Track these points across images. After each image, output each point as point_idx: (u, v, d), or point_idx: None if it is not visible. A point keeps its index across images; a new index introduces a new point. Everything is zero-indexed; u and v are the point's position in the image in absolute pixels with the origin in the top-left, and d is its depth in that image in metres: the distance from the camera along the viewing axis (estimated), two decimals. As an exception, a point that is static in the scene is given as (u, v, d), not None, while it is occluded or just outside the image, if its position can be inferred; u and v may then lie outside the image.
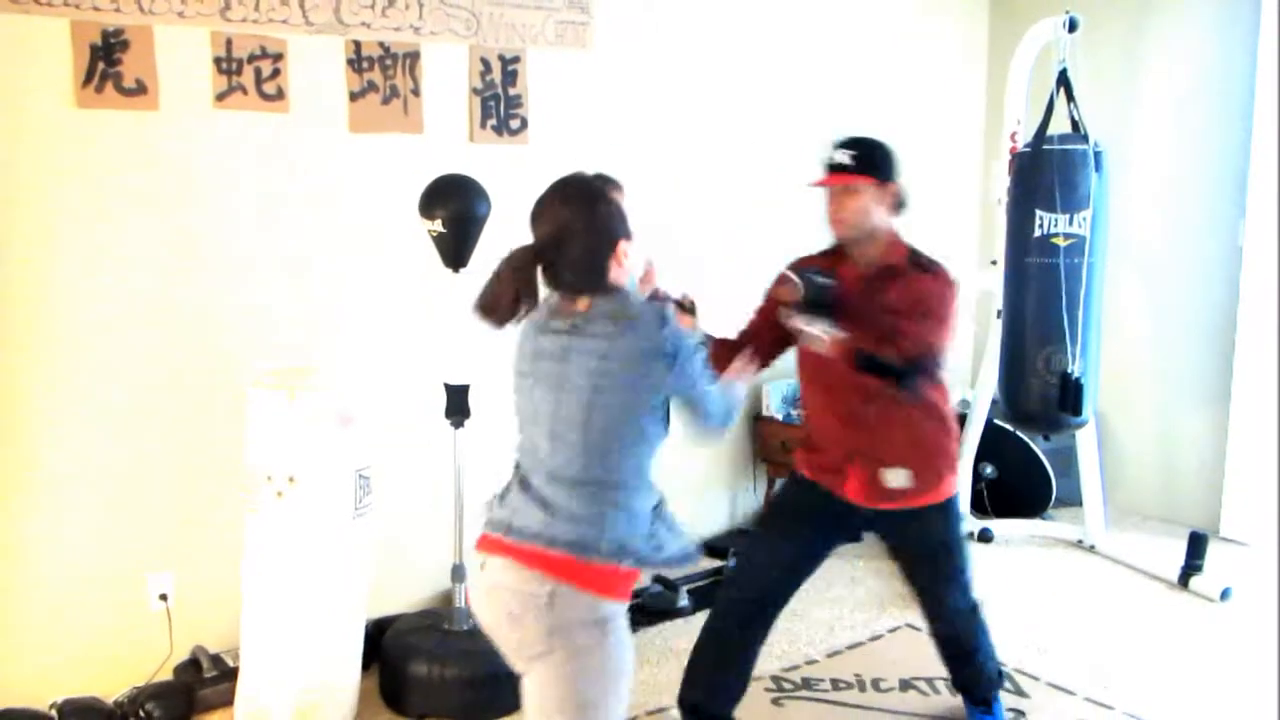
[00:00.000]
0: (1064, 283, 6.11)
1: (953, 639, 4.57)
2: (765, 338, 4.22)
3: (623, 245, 3.08)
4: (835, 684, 5.15)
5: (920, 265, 4.11)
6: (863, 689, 5.11)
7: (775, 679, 5.19)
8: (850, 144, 4.10)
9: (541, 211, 3.15)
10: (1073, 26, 6.30)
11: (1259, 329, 6.90)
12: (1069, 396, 6.11)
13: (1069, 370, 6.08)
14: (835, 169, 4.09)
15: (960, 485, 4.36)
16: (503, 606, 3.02)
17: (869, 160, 4.07)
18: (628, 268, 3.12)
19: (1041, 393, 6.24)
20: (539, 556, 2.96)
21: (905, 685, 5.09)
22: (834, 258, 4.25)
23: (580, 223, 3.06)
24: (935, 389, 4.15)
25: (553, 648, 2.96)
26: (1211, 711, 4.95)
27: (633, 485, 3.07)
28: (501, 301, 3.03)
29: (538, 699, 3.03)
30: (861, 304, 3.98)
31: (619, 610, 3.08)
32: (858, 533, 4.72)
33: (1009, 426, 7.09)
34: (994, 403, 6.91)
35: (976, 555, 6.78)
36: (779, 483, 7.32)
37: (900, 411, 4.06)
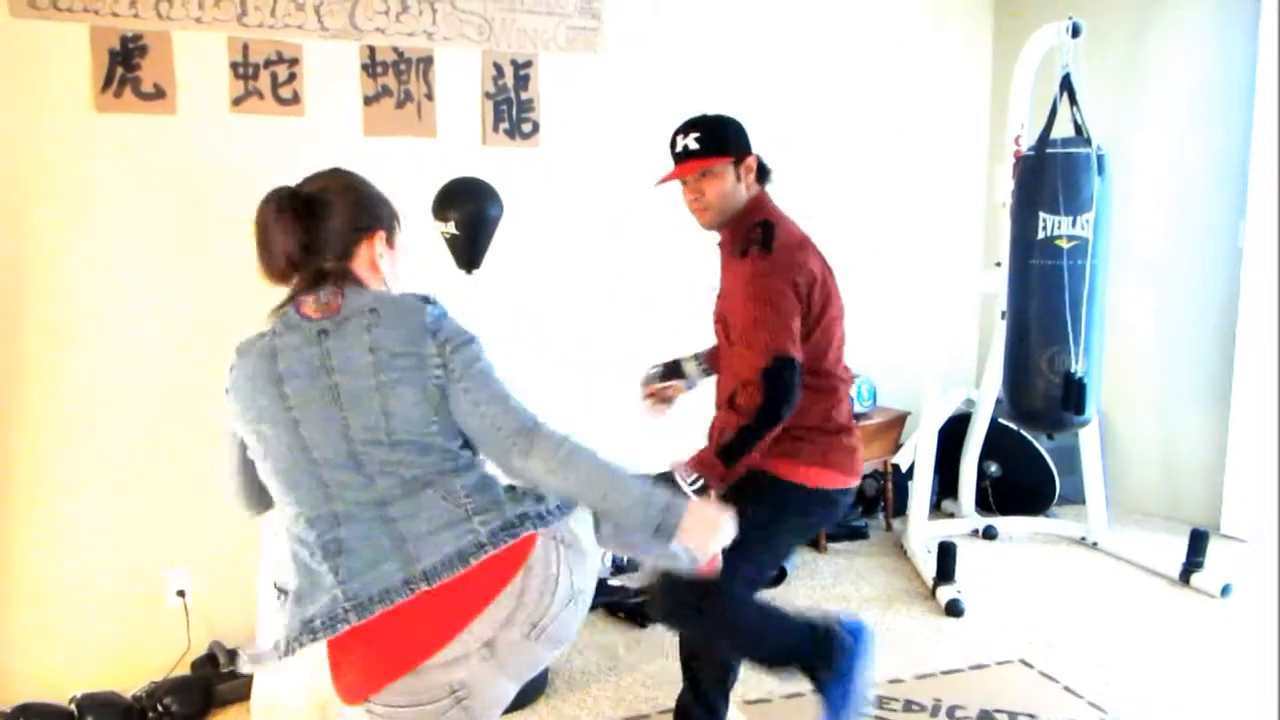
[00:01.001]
0: (1067, 284, 6.07)
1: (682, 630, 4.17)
2: None
3: (380, 239, 2.80)
4: (909, 705, 4.90)
5: (757, 241, 3.78)
6: (935, 714, 4.85)
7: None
8: (692, 125, 3.86)
9: (310, 177, 2.86)
10: (1076, 32, 6.27)
11: (1259, 329, 6.86)
12: (1072, 396, 6.06)
13: (1072, 370, 6.03)
14: (682, 157, 3.85)
15: (804, 477, 3.88)
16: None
17: (718, 138, 3.83)
18: (380, 273, 2.81)
19: (1045, 392, 6.18)
20: (423, 610, 2.53)
21: (983, 716, 4.78)
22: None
23: (343, 192, 2.79)
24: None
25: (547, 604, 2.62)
26: (1212, 706, 4.92)
27: (477, 463, 2.67)
28: (276, 246, 2.73)
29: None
30: (728, 279, 3.90)
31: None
32: None
33: (1013, 425, 7.06)
34: (998, 402, 6.88)
35: (981, 552, 6.82)
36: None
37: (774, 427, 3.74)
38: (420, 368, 2.57)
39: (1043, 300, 6.18)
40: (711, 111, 3.92)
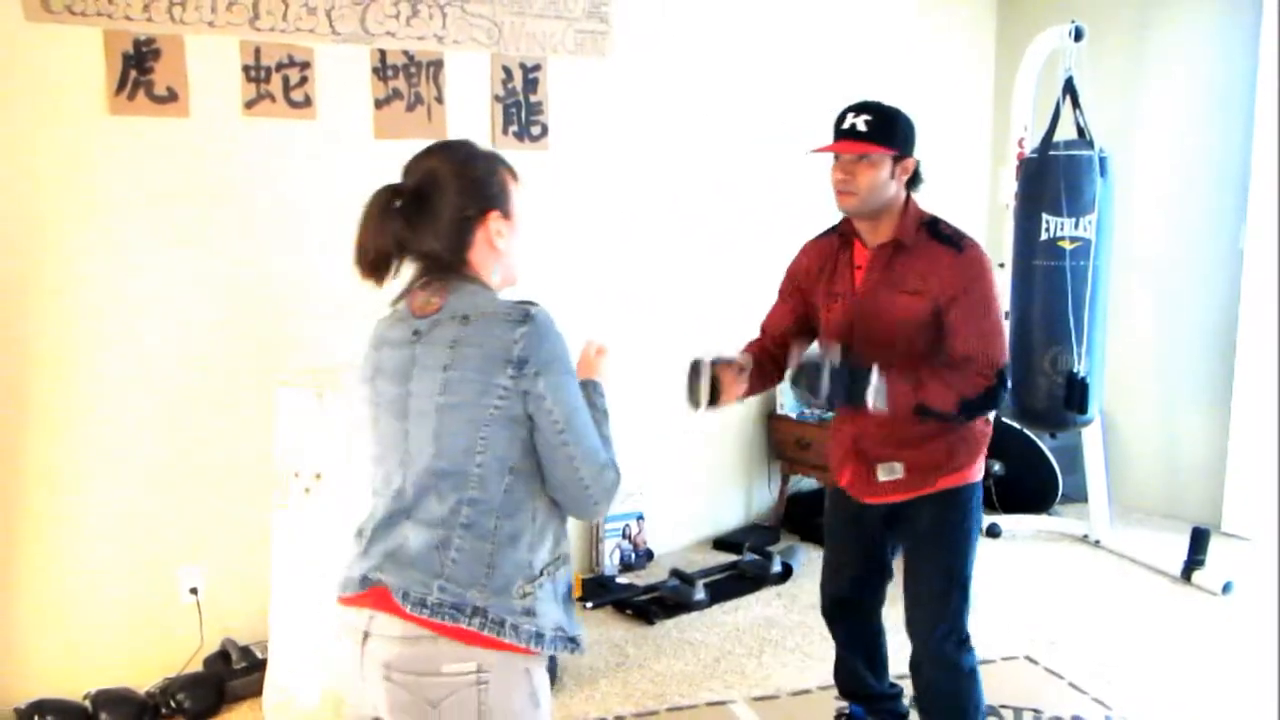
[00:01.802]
0: (1070, 285, 6.04)
1: (927, 687, 3.98)
2: (787, 327, 3.97)
3: (495, 218, 2.59)
4: (914, 701, 4.90)
5: (941, 237, 3.68)
6: None
7: None
8: (866, 108, 3.65)
9: (413, 161, 2.67)
10: (1079, 35, 6.25)
11: (1260, 330, 6.85)
12: (1075, 395, 6.03)
13: (1075, 370, 6.00)
14: (848, 134, 3.63)
15: (974, 483, 3.90)
16: (410, 693, 2.44)
17: (889, 129, 3.63)
18: (501, 250, 2.62)
19: (1048, 392, 6.14)
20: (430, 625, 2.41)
21: (989, 711, 4.61)
22: (838, 237, 3.89)
23: (451, 174, 2.57)
24: None
25: None
26: (1213, 702, 4.91)
27: (492, 526, 2.46)
28: (365, 243, 2.58)
29: None
30: (871, 289, 3.68)
31: (542, 667, 2.56)
32: (880, 533, 4.00)
33: (1017, 425, 7.03)
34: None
35: (985, 550, 6.78)
36: (793, 480, 7.30)
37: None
38: (483, 393, 2.42)
39: (1046, 301, 6.16)
40: (885, 102, 3.74)
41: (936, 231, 3.70)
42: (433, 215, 2.54)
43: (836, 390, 3.46)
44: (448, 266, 2.58)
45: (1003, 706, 4.78)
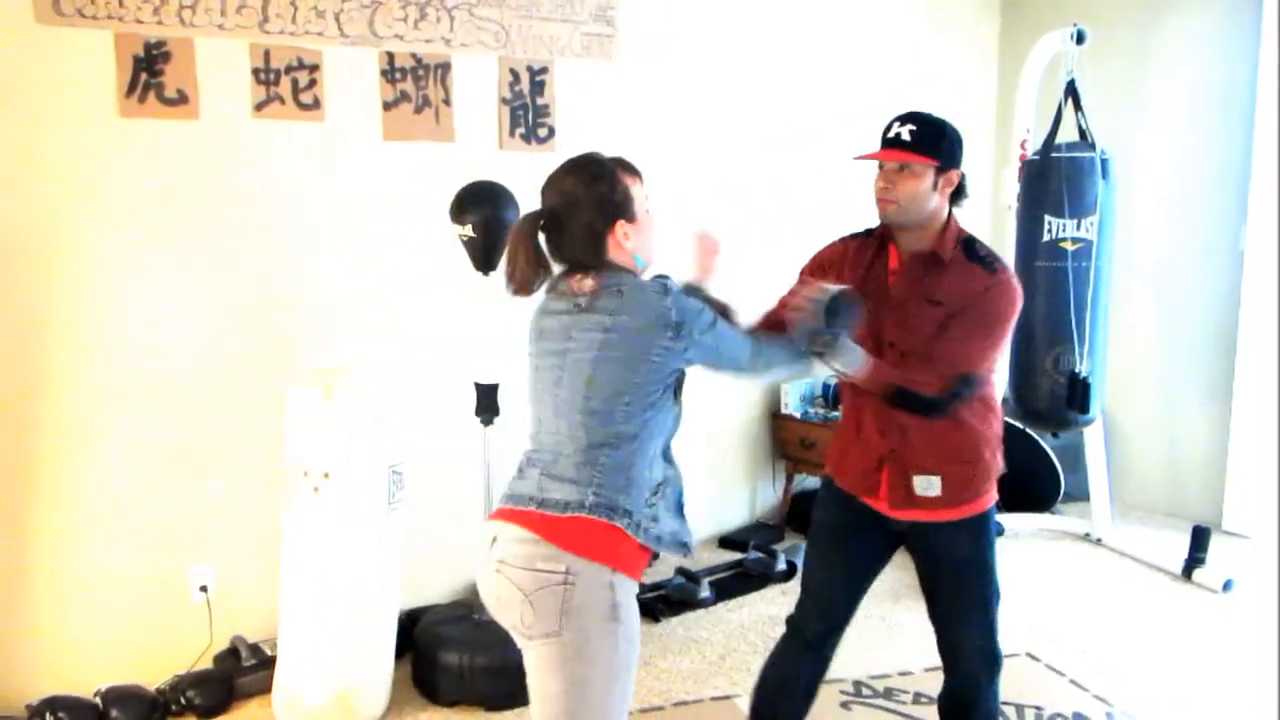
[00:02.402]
0: (1072, 285, 6.03)
1: (961, 697, 3.97)
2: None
3: (621, 225, 3.04)
4: (917, 698, 4.89)
5: (978, 258, 3.57)
6: None
7: (857, 684, 5.01)
8: (913, 118, 3.58)
9: (550, 183, 3.12)
10: (1080, 39, 6.23)
11: (1260, 330, 6.83)
12: (1077, 395, 6.04)
13: (1077, 370, 6.01)
14: (893, 144, 3.55)
15: (994, 502, 3.94)
16: (513, 583, 2.90)
17: (934, 140, 3.53)
18: (630, 249, 3.06)
19: (1050, 392, 6.16)
20: (537, 518, 2.91)
21: None
22: (875, 240, 3.76)
23: (581, 196, 3.04)
24: (980, 396, 3.69)
25: (562, 630, 2.85)
26: (1213, 698, 4.90)
27: (632, 449, 2.97)
28: (516, 268, 3.04)
29: (539, 680, 2.94)
30: (902, 296, 3.60)
31: (629, 593, 2.96)
32: (889, 546, 3.96)
33: (1019, 424, 7.00)
34: (1004, 401, 6.71)
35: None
36: (797, 479, 7.27)
37: (938, 419, 3.64)
38: (646, 350, 2.92)
39: (1048, 302, 6.13)
40: (932, 112, 3.65)
41: (972, 250, 3.60)
42: (570, 233, 3.04)
43: (828, 324, 3.32)
44: (593, 266, 3.04)
45: (1005, 703, 4.74)
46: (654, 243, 3.17)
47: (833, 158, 7.05)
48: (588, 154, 3.17)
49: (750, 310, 3.65)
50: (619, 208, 3.05)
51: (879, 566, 3.94)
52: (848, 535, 3.87)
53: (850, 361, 3.40)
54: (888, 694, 4.89)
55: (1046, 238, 6.11)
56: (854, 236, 3.88)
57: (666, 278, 3.06)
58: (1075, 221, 6.04)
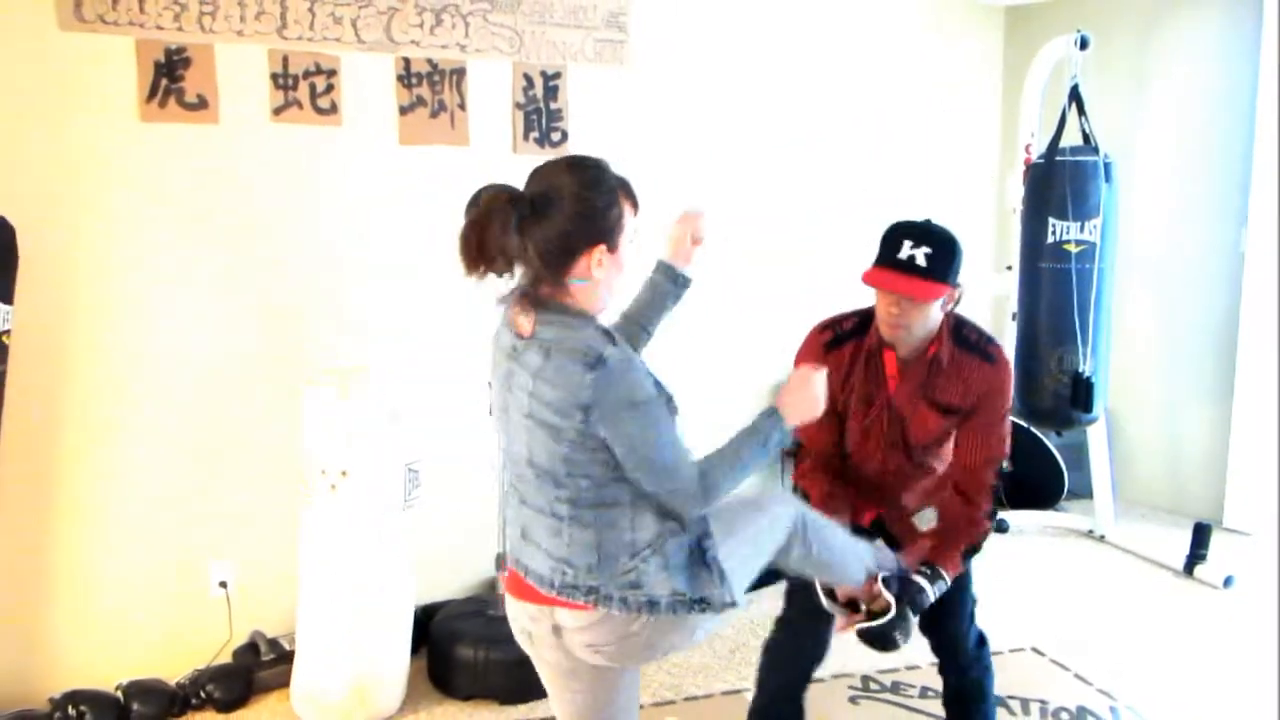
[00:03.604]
0: (1075, 287, 6.03)
1: (963, 684, 3.90)
2: (835, 440, 3.68)
3: (600, 250, 2.56)
4: (924, 692, 4.84)
5: (969, 345, 3.45)
6: None
7: (865, 679, 4.99)
8: (925, 237, 3.29)
9: (542, 173, 2.64)
10: (1084, 44, 6.21)
11: (1260, 330, 6.79)
12: (1080, 394, 6.05)
13: (1080, 370, 6.02)
14: (905, 268, 3.26)
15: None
16: (603, 655, 2.74)
17: (948, 263, 3.28)
18: (597, 282, 2.59)
19: (1054, 391, 6.16)
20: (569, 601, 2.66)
21: (997, 701, 4.55)
22: (867, 328, 3.53)
23: (570, 198, 2.53)
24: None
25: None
26: (1214, 692, 4.89)
27: (608, 518, 2.61)
28: (470, 245, 2.55)
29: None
30: (905, 400, 3.50)
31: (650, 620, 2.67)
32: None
33: (1023, 423, 7.00)
34: None
35: (992, 545, 6.75)
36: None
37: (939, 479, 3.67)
38: (560, 423, 2.50)
39: (1052, 303, 6.15)
40: (939, 224, 3.40)
41: (963, 339, 3.47)
42: (540, 232, 2.53)
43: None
44: (537, 299, 2.61)
45: (1010, 697, 4.73)
46: (619, 286, 2.70)
47: (841, 161, 7.03)
48: (595, 159, 2.68)
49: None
50: (606, 231, 2.58)
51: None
52: None
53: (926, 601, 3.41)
54: (895, 688, 4.86)
55: (1051, 240, 6.11)
56: (829, 347, 3.58)
57: (611, 341, 2.54)
58: (1079, 224, 6.04)
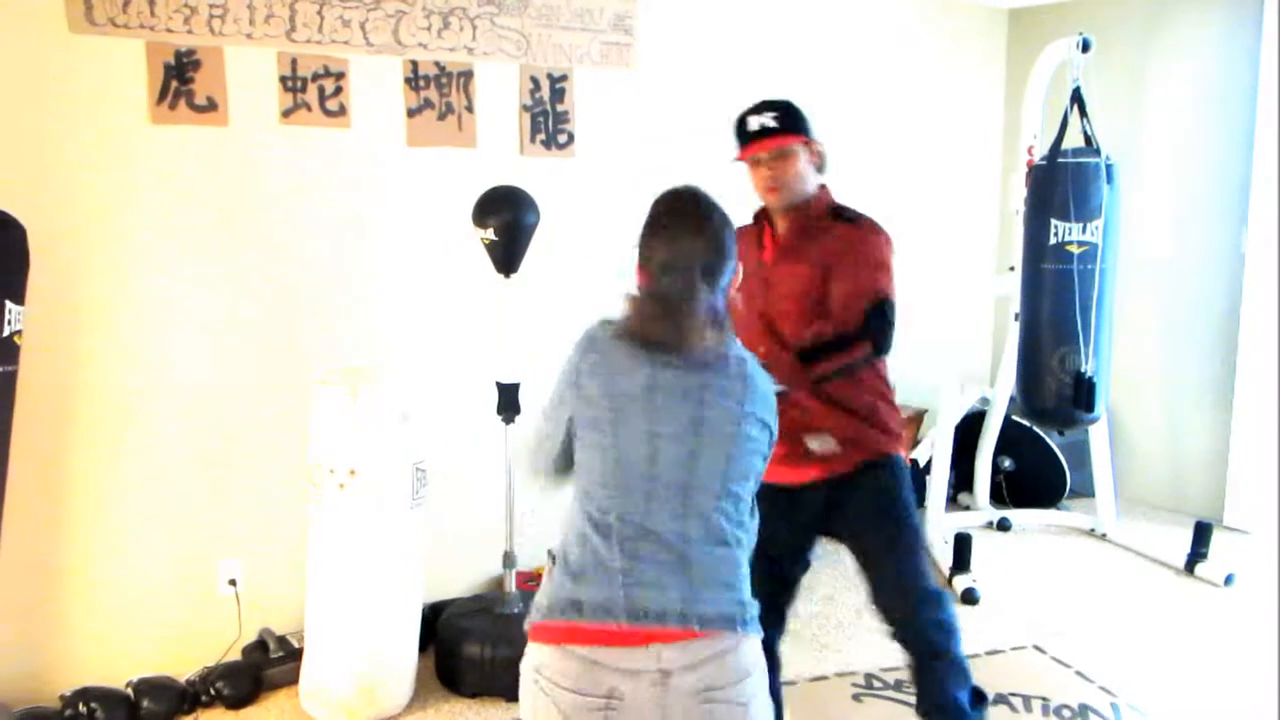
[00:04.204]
0: (1077, 287, 5.98)
1: (920, 636, 3.64)
2: None
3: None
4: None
5: (841, 216, 3.66)
6: None
7: (869, 676, 4.95)
8: (767, 106, 3.65)
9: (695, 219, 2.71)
10: (1086, 47, 6.19)
11: (1261, 330, 6.79)
12: (1082, 394, 5.98)
13: (1082, 369, 5.96)
14: (761, 134, 3.59)
15: (906, 453, 3.87)
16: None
17: (795, 119, 3.63)
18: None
19: (1057, 390, 6.09)
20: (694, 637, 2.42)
21: (999, 699, 4.63)
22: (756, 222, 3.78)
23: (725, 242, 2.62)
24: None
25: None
26: (1215, 688, 4.88)
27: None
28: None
29: None
30: (778, 260, 3.64)
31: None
32: (818, 521, 3.78)
33: (1026, 422, 7.01)
34: (1012, 400, 6.83)
35: (995, 543, 6.75)
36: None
37: (825, 388, 3.56)
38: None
39: (1054, 303, 6.09)
40: (775, 96, 3.73)
41: (837, 212, 3.68)
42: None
43: None
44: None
45: (1013, 694, 4.72)
46: None
47: (846, 164, 7.02)
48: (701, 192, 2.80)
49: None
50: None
51: (807, 550, 3.89)
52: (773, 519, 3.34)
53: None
54: (898, 686, 4.82)
55: (1053, 241, 6.05)
56: (742, 230, 3.58)
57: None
58: (1081, 225, 5.98)
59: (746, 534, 2.57)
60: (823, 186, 3.72)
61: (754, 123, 3.63)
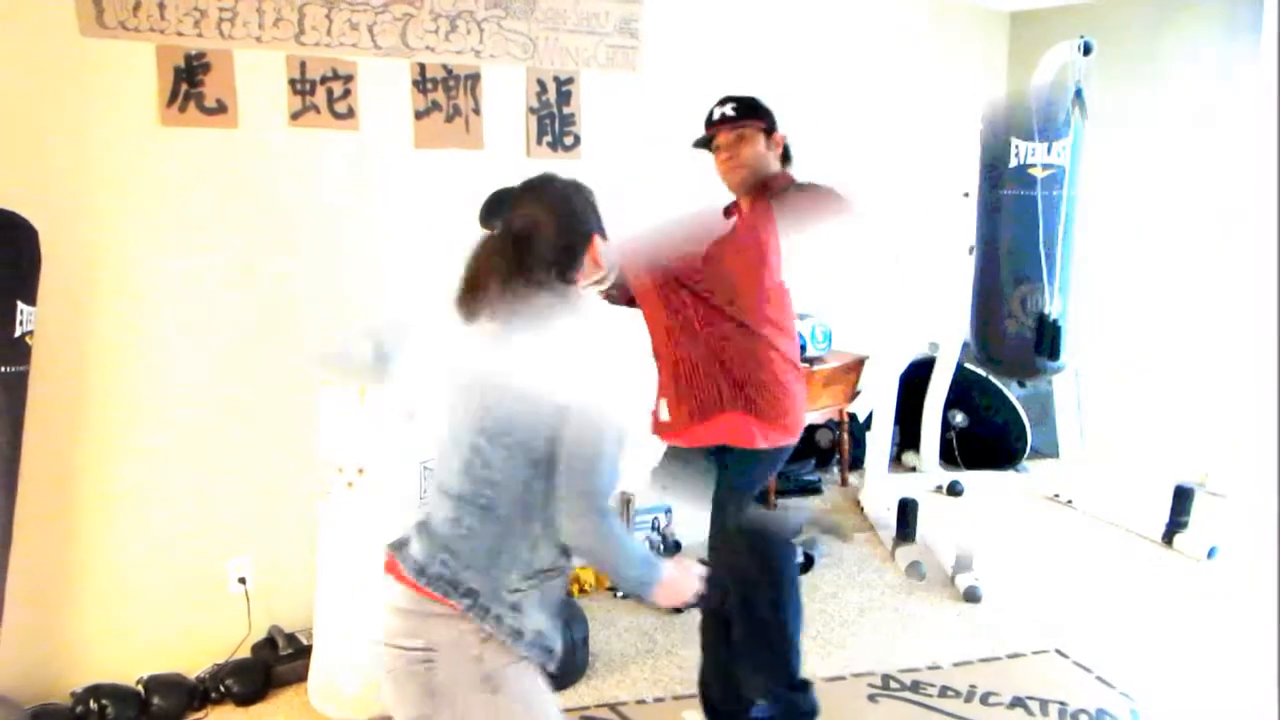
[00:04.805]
0: (1041, 216, 5.56)
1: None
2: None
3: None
4: (944, 691, 4.75)
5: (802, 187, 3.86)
6: (969, 700, 4.67)
7: (885, 677, 4.90)
8: (727, 99, 3.97)
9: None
10: (1087, 50, 6.17)
11: (1239, 279, 6.56)
12: (1046, 339, 5.54)
13: (1046, 311, 5.55)
14: (720, 121, 3.94)
15: (786, 445, 3.94)
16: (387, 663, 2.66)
17: (753, 108, 3.93)
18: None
19: (1017, 335, 5.66)
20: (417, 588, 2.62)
21: (1015, 702, 4.62)
22: (728, 215, 4.04)
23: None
24: (776, 333, 3.89)
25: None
26: (1214, 685, 4.78)
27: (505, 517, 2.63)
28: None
29: None
30: (742, 228, 3.88)
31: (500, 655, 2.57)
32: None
33: (981, 371, 6.56)
34: (964, 346, 6.34)
35: (945, 510, 6.40)
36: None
37: (727, 351, 3.86)
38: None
39: (1014, 234, 5.71)
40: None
41: (799, 186, 3.87)
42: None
43: None
44: None
45: (1029, 698, 4.67)
46: None
47: (842, 163, 7.00)
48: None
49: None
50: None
51: None
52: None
53: None
54: (915, 687, 4.80)
55: (1014, 163, 5.68)
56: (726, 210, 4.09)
57: None
58: (1046, 145, 5.63)
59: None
60: (785, 174, 3.91)
61: (716, 113, 3.95)
